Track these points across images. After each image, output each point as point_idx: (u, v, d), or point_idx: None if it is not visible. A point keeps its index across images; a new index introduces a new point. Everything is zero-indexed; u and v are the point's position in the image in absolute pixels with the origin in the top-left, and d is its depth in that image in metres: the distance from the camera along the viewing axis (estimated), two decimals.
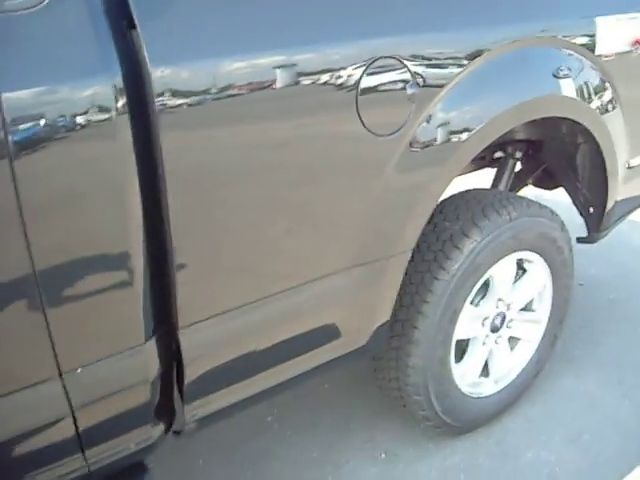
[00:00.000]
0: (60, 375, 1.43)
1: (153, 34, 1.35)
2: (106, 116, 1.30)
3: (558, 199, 2.98)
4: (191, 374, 1.65)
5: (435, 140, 1.83)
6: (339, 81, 1.59)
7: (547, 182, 2.92)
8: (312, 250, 1.76)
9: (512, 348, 2.54)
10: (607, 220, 2.61)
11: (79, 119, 1.27)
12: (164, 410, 1.71)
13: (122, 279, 1.45)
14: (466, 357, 2.38)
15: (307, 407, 2.68)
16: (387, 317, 2.01)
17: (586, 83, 2.23)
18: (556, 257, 2.40)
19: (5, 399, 1.39)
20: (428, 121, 1.79)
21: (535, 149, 2.68)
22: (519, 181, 2.92)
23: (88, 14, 1.30)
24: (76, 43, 1.29)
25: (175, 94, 1.37)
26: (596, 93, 2.28)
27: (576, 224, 2.70)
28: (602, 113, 2.32)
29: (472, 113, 1.89)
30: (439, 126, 1.82)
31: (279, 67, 1.50)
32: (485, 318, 2.34)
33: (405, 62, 1.68)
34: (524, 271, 2.42)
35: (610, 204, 2.55)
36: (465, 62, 1.81)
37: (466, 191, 2.33)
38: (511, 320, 2.45)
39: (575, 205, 2.68)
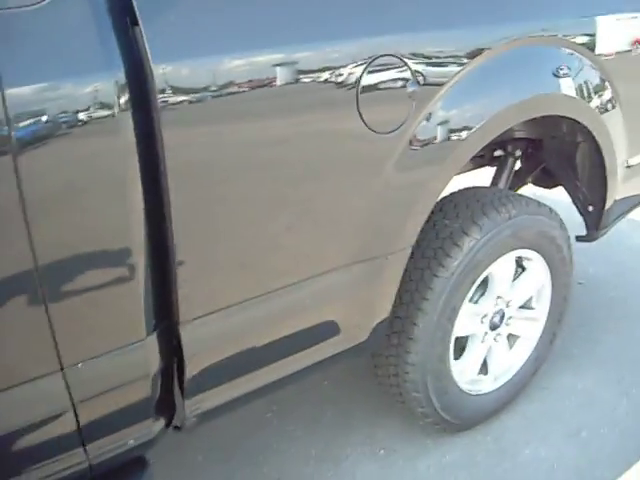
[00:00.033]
0: (61, 369, 1.44)
1: (155, 31, 1.36)
2: (108, 113, 1.31)
3: (558, 198, 2.99)
4: (191, 369, 1.66)
5: (435, 138, 1.84)
6: (340, 79, 1.60)
7: (547, 181, 2.93)
8: (312, 247, 1.77)
9: (511, 346, 2.55)
10: (606, 218, 2.62)
11: (82, 115, 1.28)
12: (165, 405, 1.71)
13: (124, 274, 1.46)
14: (465, 354, 2.40)
15: (307, 403, 2.69)
16: (387, 314, 2.02)
17: (586, 82, 2.24)
18: (555, 255, 2.41)
19: (7, 393, 1.40)
20: (428, 119, 1.80)
21: (535, 148, 2.69)
22: (519, 180, 2.93)
23: (91, 11, 1.31)
24: (79, 40, 1.30)
25: (177, 91, 1.38)
26: (596, 92, 2.29)
27: (575, 223, 2.71)
28: (602, 112, 2.33)
29: (472, 111, 1.90)
30: (439, 124, 1.83)
31: (280, 65, 1.51)
32: (484, 315, 2.35)
33: (405, 60, 1.69)
34: (523, 269, 2.43)
35: (609, 203, 2.56)
36: (465, 60, 1.82)
37: (465, 189, 2.33)
38: (510, 318, 2.46)
39: (574, 203, 2.69)
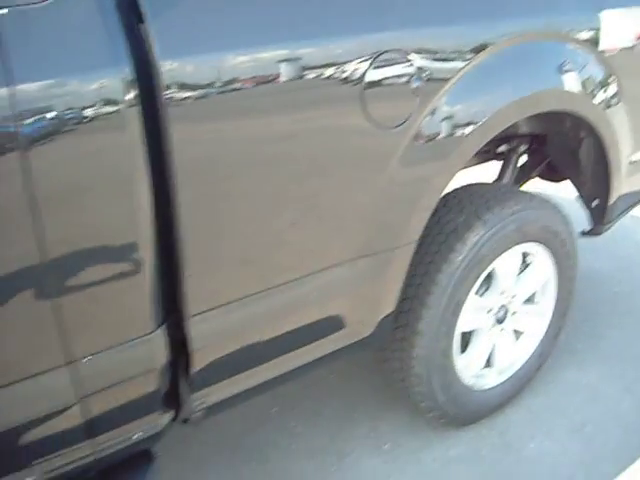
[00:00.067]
0: (70, 363, 1.46)
1: (161, 28, 1.37)
2: (115, 109, 1.32)
3: (563, 193, 2.99)
4: (198, 363, 1.67)
5: (439, 134, 1.85)
6: (345, 75, 1.61)
7: (553, 175, 2.94)
8: (318, 242, 1.78)
9: (516, 340, 2.56)
10: (610, 213, 2.63)
11: (89, 112, 1.29)
12: (171, 399, 1.73)
13: (131, 269, 1.47)
14: (470, 348, 2.40)
15: (312, 398, 2.71)
16: (391, 308, 2.03)
17: (590, 78, 2.24)
18: (559, 249, 2.42)
19: (16, 386, 1.41)
20: (432, 115, 1.81)
21: (539, 143, 2.70)
22: (524, 174, 2.93)
23: (98, 8, 1.32)
24: (86, 37, 1.31)
25: (183, 87, 1.39)
26: (600, 88, 2.29)
27: (580, 217, 2.72)
28: (606, 107, 2.33)
29: (476, 107, 1.91)
30: (443, 120, 1.84)
31: (286, 61, 1.52)
32: (489, 310, 2.36)
33: (410, 56, 1.70)
34: (528, 264, 2.44)
35: (613, 197, 2.57)
36: (469, 56, 1.83)
37: (470, 185, 2.34)
38: (515, 312, 2.47)
39: (580, 198, 2.70)
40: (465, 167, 2.60)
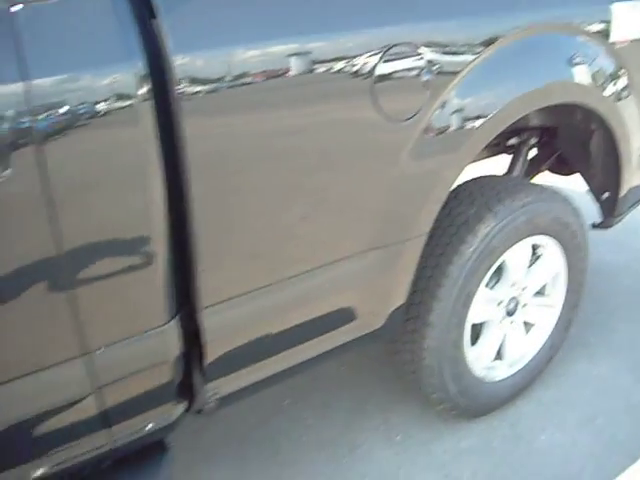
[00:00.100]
0: (86, 354, 1.48)
1: (174, 22, 1.39)
2: (129, 103, 1.34)
3: (573, 186, 3.00)
4: (211, 354, 1.69)
5: (449, 126, 1.85)
6: (355, 68, 1.62)
7: (563, 168, 2.94)
8: (328, 234, 1.79)
9: (526, 332, 2.57)
10: (621, 206, 2.63)
11: (103, 106, 1.31)
12: (185, 390, 1.75)
13: (145, 262, 1.49)
14: (480, 340, 2.41)
15: (323, 390, 2.72)
16: (402, 300, 2.05)
17: (600, 70, 2.25)
18: (570, 241, 2.42)
19: (33, 376, 1.44)
20: (442, 108, 1.82)
21: (550, 136, 2.70)
22: (534, 167, 2.93)
23: (111, 3, 1.33)
24: (99, 32, 1.33)
25: (196, 82, 1.41)
26: (610, 80, 2.29)
27: (591, 210, 2.72)
28: (616, 100, 2.33)
29: (486, 99, 1.91)
30: (453, 113, 1.84)
31: (298, 55, 1.53)
32: (499, 302, 2.37)
33: (420, 49, 1.71)
34: (538, 256, 2.44)
35: (624, 190, 2.57)
36: (480, 49, 1.84)
37: (481, 177, 2.35)
38: (525, 304, 2.48)
39: (590, 190, 2.70)
40: (476, 160, 2.61)
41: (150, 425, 1.69)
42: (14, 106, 1.22)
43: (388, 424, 2.56)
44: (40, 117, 1.25)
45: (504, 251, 2.21)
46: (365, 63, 1.63)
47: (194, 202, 1.50)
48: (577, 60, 2.14)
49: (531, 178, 2.95)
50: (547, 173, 3.03)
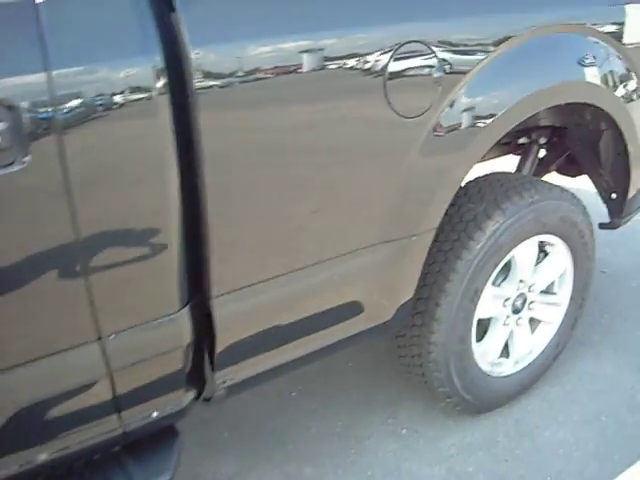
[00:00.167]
0: (99, 339, 1.51)
1: (192, 17, 1.42)
2: (147, 96, 1.37)
3: (582, 186, 3.01)
4: (221, 343, 1.72)
5: (458, 125, 1.88)
6: (367, 65, 1.65)
7: (571, 169, 2.95)
8: (339, 227, 1.82)
9: (533, 330, 2.59)
10: (629, 207, 2.65)
11: (122, 98, 1.34)
12: (195, 377, 1.78)
13: (159, 250, 1.52)
14: (487, 336, 2.43)
15: (331, 385, 2.75)
16: (411, 294, 2.08)
17: (612, 71, 2.27)
18: (577, 241, 2.44)
19: (47, 360, 1.47)
20: (451, 106, 1.84)
21: (559, 136, 2.72)
22: (543, 168, 2.95)
23: None
24: (119, 25, 1.36)
25: (212, 76, 1.44)
26: (621, 81, 2.32)
27: (599, 210, 2.75)
28: (627, 101, 2.35)
29: (494, 99, 1.94)
30: (462, 111, 1.87)
31: (314, 51, 1.56)
32: (506, 299, 2.39)
33: (432, 47, 1.73)
34: (546, 254, 2.47)
35: (632, 191, 2.59)
36: (491, 48, 1.86)
37: (490, 174, 2.37)
38: (532, 302, 2.50)
39: (598, 191, 2.72)
40: (485, 159, 2.64)
41: (160, 411, 1.72)
42: (36, 95, 1.25)
43: (395, 419, 2.59)
44: (61, 107, 1.28)
45: (512, 248, 2.23)
46: (378, 60, 1.65)
47: (208, 193, 1.53)
48: (589, 60, 2.16)
49: (540, 178, 2.96)
50: (555, 174, 3.05)
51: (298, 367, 2.00)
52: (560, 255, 2.46)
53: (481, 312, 2.30)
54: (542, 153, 2.90)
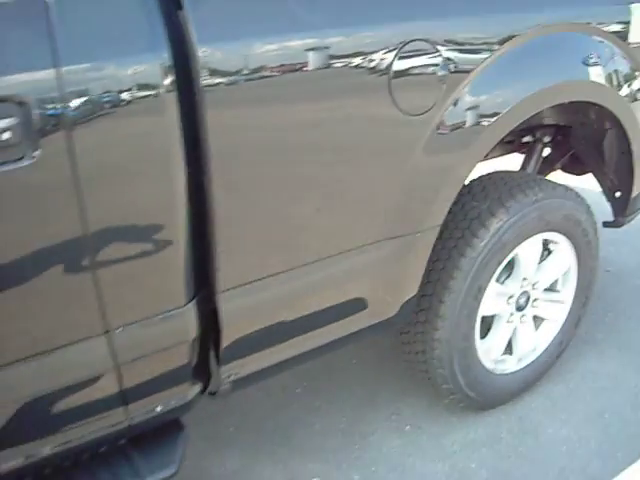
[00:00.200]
0: (106, 333, 1.53)
1: (199, 15, 1.44)
2: (154, 93, 1.38)
3: (586, 185, 3.02)
4: (227, 337, 1.74)
5: (461, 123, 1.90)
6: (372, 63, 1.66)
7: (575, 168, 2.96)
8: (344, 223, 1.84)
9: (536, 327, 2.59)
10: (633, 205, 2.66)
11: (130, 95, 1.36)
12: (201, 371, 1.80)
13: (166, 245, 1.54)
14: (491, 334, 2.45)
15: (336, 381, 2.77)
16: (415, 291, 2.09)
17: (617, 70, 2.28)
18: (581, 239, 2.45)
19: (55, 353, 1.49)
20: (455, 104, 1.86)
21: (564, 134, 2.73)
22: (547, 166, 2.96)
23: None
24: (127, 22, 1.38)
25: (219, 74, 1.46)
26: (626, 81, 2.33)
27: (604, 209, 2.76)
28: (631, 100, 2.36)
29: (498, 97, 1.96)
30: (465, 109, 1.89)
31: (320, 49, 1.58)
32: (510, 296, 2.40)
33: (436, 45, 1.75)
34: (549, 252, 2.47)
35: (636, 189, 2.59)
36: (495, 47, 1.87)
37: (493, 173, 2.38)
38: (536, 299, 2.51)
39: (602, 189, 2.73)
40: (490, 158, 2.65)
41: (166, 404, 1.74)
42: (46, 91, 1.27)
43: (399, 415, 2.60)
44: (70, 104, 1.29)
45: (515, 246, 2.24)
46: (382, 58, 1.67)
47: (214, 190, 1.55)
48: (593, 60, 2.16)
49: (544, 176, 2.97)
50: (560, 172, 3.06)
51: (303, 362, 2.02)
52: (564, 253, 2.47)
53: (485, 309, 2.31)
54: (547, 152, 2.91)
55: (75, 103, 1.30)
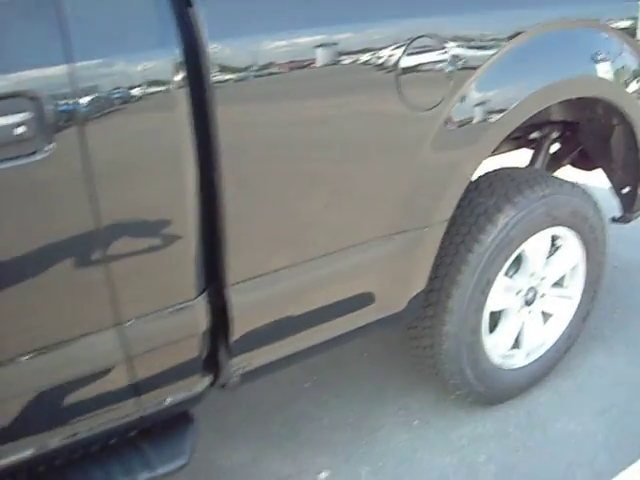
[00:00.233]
0: (119, 324, 1.55)
1: (210, 11, 1.45)
2: (165, 89, 1.40)
3: (595, 181, 3.03)
4: (237, 330, 1.76)
5: (468, 119, 1.91)
6: (381, 59, 1.68)
7: (584, 163, 2.97)
8: (352, 218, 1.85)
9: (544, 322, 2.60)
10: None
11: (142, 91, 1.38)
12: (211, 364, 1.82)
13: (177, 239, 1.56)
14: (498, 328, 2.46)
15: (344, 376, 2.78)
16: (423, 285, 2.11)
17: (624, 66, 2.28)
18: (589, 234, 2.46)
19: (69, 344, 1.51)
20: (462, 100, 1.87)
21: (571, 130, 2.74)
22: (556, 162, 2.97)
23: None
24: (139, 19, 1.40)
25: (229, 70, 1.48)
26: (634, 77, 2.33)
27: (612, 205, 2.77)
28: (639, 96, 2.37)
29: (505, 93, 1.97)
30: (472, 105, 1.90)
31: (328, 46, 1.59)
32: (518, 291, 2.41)
33: (444, 41, 1.76)
34: (557, 247, 2.48)
35: None
36: (502, 43, 1.89)
37: (501, 169, 2.39)
38: (543, 295, 2.52)
39: (610, 185, 2.74)
40: (498, 153, 2.66)
41: (177, 396, 1.76)
42: (58, 87, 1.29)
43: (407, 410, 2.61)
44: (82, 98, 1.31)
45: (523, 241, 2.25)
46: (391, 54, 1.68)
47: (224, 185, 1.56)
48: (601, 56, 2.17)
49: (552, 172, 2.98)
50: (569, 167, 3.07)
51: (312, 356, 2.04)
52: (571, 249, 2.48)
53: (493, 304, 2.32)
54: (555, 148, 2.92)
55: (87, 98, 1.32)
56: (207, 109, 1.48)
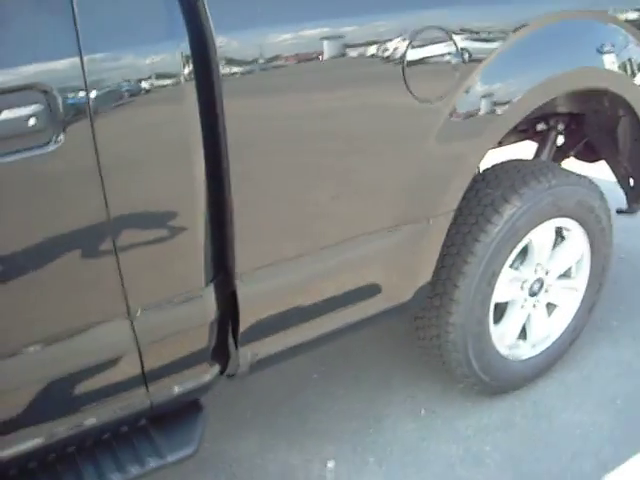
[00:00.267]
0: (129, 314, 1.57)
1: (217, 4, 1.47)
2: (174, 81, 1.42)
3: (600, 173, 3.03)
4: (245, 320, 1.78)
5: (474, 110, 1.92)
6: (387, 52, 1.69)
7: (589, 155, 2.97)
8: (359, 209, 1.87)
9: (550, 314, 2.61)
10: None
11: (150, 84, 1.40)
12: (219, 353, 1.84)
13: (185, 229, 1.58)
14: (504, 319, 2.47)
15: (351, 366, 2.80)
16: (429, 275, 2.13)
17: (630, 59, 2.28)
18: (594, 226, 2.46)
19: (80, 334, 1.54)
20: (467, 92, 1.88)
21: (577, 122, 2.74)
22: (561, 154, 2.97)
23: None
24: (147, 12, 1.41)
25: (237, 63, 1.49)
26: None
27: (618, 197, 2.77)
28: None
29: (511, 85, 1.98)
30: (477, 97, 1.91)
31: (336, 38, 1.61)
32: (524, 282, 2.42)
33: (449, 33, 1.77)
34: (563, 238, 2.49)
35: None
36: (508, 34, 1.90)
37: (507, 161, 2.40)
38: (549, 286, 2.52)
39: (616, 177, 2.74)
40: (504, 145, 2.67)
41: (186, 385, 1.78)
42: (69, 80, 1.32)
43: (413, 399, 2.63)
44: (92, 91, 1.33)
45: (528, 232, 2.26)
46: (397, 46, 1.69)
47: (232, 177, 1.58)
48: (607, 47, 2.17)
49: (558, 164, 2.99)
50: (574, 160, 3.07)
51: (319, 345, 2.06)
52: (577, 240, 2.49)
53: (499, 295, 2.33)
54: (561, 139, 2.92)
55: (97, 91, 1.34)
56: (215, 101, 1.50)
